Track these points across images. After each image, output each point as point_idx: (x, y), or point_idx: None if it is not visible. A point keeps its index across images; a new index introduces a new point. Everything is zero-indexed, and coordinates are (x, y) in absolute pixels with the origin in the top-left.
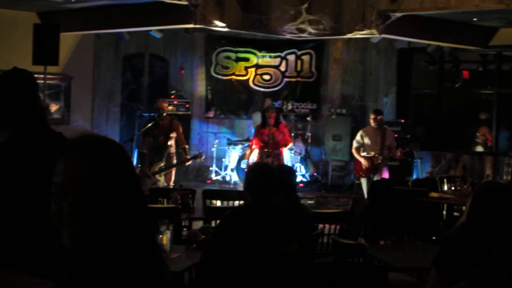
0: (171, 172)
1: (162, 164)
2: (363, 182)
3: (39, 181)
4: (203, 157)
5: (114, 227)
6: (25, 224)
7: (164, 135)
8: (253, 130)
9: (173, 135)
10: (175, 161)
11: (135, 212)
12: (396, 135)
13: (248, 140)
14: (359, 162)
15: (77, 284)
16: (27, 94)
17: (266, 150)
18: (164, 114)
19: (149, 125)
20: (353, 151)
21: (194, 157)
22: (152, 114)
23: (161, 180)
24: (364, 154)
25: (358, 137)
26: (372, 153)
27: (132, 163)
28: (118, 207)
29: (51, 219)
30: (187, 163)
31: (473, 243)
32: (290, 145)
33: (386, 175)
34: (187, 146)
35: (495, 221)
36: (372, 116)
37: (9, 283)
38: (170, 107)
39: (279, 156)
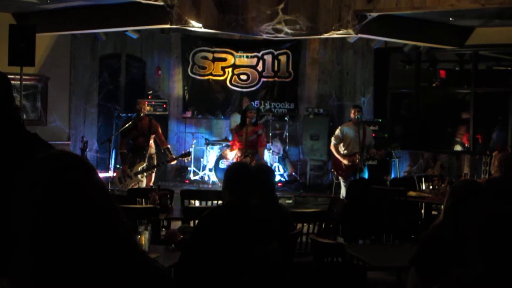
0: (151, 173)
1: (144, 165)
2: (342, 182)
3: (10, 183)
4: (190, 156)
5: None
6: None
7: (143, 136)
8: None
9: (152, 136)
10: (155, 162)
11: (98, 226)
12: (373, 135)
13: (226, 140)
14: (339, 161)
15: None
16: (1, 95)
17: (244, 150)
18: (142, 115)
19: (128, 125)
20: (332, 148)
21: (182, 156)
22: (129, 115)
23: (144, 181)
24: (344, 152)
25: (337, 132)
26: (351, 152)
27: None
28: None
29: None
30: (173, 162)
31: (448, 241)
32: (264, 149)
33: (365, 174)
34: (169, 146)
35: (464, 218)
36: (352, 111)
37: None
38: (147, 108)
39: (256, 155)
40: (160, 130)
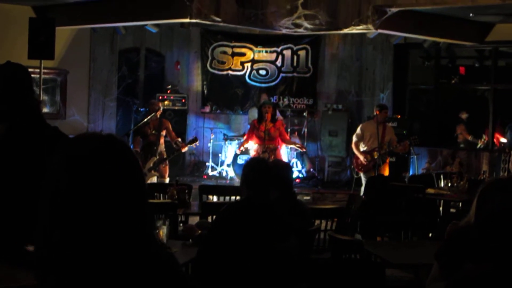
0: (166, 166)
1: (155, 159)
2: (363, 178)
3: (34, 174)
4: (198, 141)
5: (114, 223)
6: (22, 216)
7: (155, 134)
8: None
9: (163, 133)
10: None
11: (136, 208)
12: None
13: (244, 135)
14: (358, 157)
15: (70, 279)
16: (21, 87)
17: (261, 145)
18: (158, 116)
19: (141, 123)
20: (353, 146)
21: (190, 142)
22: (148, 109)
23: (156, 174)
24: (364, 149)
25: (358, 130)
26: (371, 148)
27: (135, 157)
28: (119, 203)
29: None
30: (184, 149)
31: (473, 240)
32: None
33: (386, 171)
34: (179, 139)
35: (486, 216)
36: (382, 112)
37: None
38: (166, 102)
39: (276, 151)
40: (170, 127)
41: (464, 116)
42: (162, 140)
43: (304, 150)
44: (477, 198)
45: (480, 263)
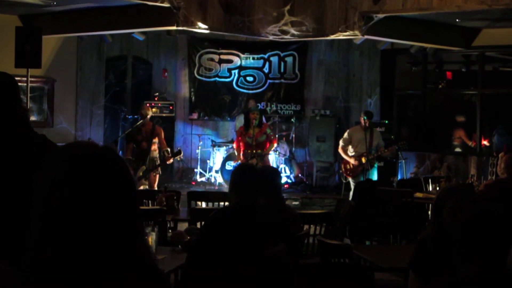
0: (156, 175)
1: (145, 168)
2: (352, 183)
3: (22, 182)
4: (182, 153)
5: (107, 231)
6: (9, 222)
7: (147, 141)
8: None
9: (156, 140)
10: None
11: (128, 217)
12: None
13: (232, 141)
14: (346, 162)
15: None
16: (8, 95)
17: (249, 151)
18: (147, 118)
19: (131, 129)
20: (340, 150)
21: (175, 155)
22: (136, 116)
23: (146, 183)
24: (352, 154)
25: (345, 135)
26: (358, 154)
27: (126, 165)
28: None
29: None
30: (169, 162)
31: (438, 244)
32: (275, 145)
33: (374, 176)
34: (168, 149)
35: (446, 221)
36: (365, 119)
37: None
38: (154, 109)
39: (264, 157)
40: (162, 135)
41: (461, 119)
42: (154, 147)
43: (275, 143)
44: (435, 206)
45: (463, 267)
